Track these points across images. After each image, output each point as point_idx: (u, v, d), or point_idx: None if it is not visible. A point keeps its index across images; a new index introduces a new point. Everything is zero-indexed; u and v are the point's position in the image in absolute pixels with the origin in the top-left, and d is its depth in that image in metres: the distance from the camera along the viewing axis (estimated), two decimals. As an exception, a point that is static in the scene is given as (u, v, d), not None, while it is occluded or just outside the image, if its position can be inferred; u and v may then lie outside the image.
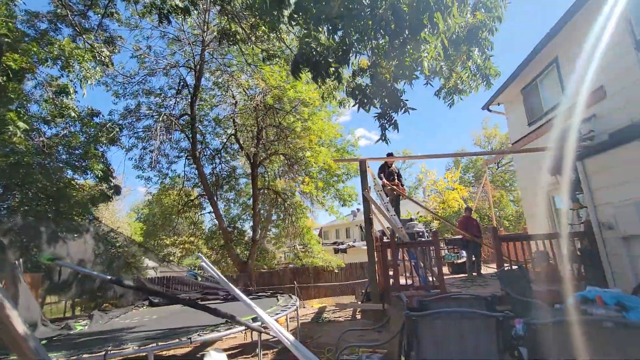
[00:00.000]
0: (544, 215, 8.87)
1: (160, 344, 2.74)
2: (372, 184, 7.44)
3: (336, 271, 13.53)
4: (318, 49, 3.01)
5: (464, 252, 9.62)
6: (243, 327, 3.35)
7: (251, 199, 16.49)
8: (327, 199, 12.81)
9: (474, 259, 8.50)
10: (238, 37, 7.87)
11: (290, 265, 15.76)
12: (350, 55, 3.09)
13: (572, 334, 2.32)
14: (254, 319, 3.51)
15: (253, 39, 8.05)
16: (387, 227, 8.67)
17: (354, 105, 3.66)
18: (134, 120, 11.59)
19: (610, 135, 6.10)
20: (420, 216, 14.88)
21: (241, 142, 13.13)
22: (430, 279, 6.56)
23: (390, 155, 7.78)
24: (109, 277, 3.31)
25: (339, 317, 7.89)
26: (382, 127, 3.67)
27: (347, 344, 2.60)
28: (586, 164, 6.11)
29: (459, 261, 9.61)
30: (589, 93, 6.63)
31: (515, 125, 10.03)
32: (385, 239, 9.09)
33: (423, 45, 2.78)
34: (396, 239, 6.57)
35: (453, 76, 3.72)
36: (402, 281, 6.51)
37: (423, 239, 7.79)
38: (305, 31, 3.06)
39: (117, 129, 10.21)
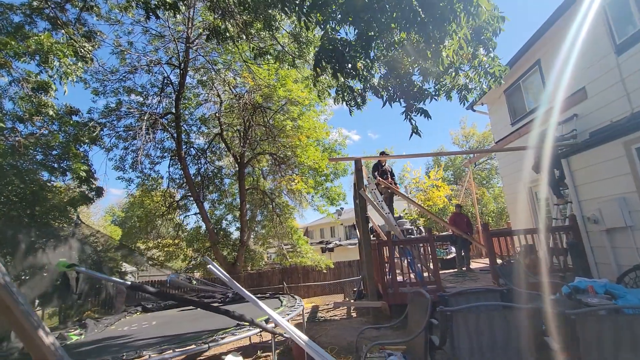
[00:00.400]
0: (527, 211, 9.27)
1: (177, 350, 2.61)
2: (365, 183, 7.50)
3: (325, 271, 13.55)
4: (340, 44, 2.99)
5: (452, 248, 9.90)
6: (257, 330, 3.28)
7: (237, 199, 16.28)
8: (316, 198, 12.82)
9: (463, 254, 8.76)
10: (228, 34, 7.72)
11: (276, 266, 15.65)
12: (372, 49, 3.08)
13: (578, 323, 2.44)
14: (266, 321, 3.45)
15: (243, 36, 7.92)
16: (379, 225, 8.79)
17: (384, 103, 3.66)
18: (115, 119, 11.10)
19: (591, 134, 6.45)
20: (406, 214, 15.16)
21: (227, 142, 12.88)
22: (426, 275, 6.71)
23: (383, 153, 7.87)
24: (129, 283, 3.14)
25: (335, 315, 7.91)
26: (411, 119, 3.69)
27: (371, 343, 2.60)
28: (571, 161, 6.43)
29: (448, 257, 9.88)
30: (571, 94, 7.00)
31: (499, 125, 10.41)
32: (372, 237, 9.22)
33: (447, 39, 2.83)
34: (392, 237, 6.65)
35: (460, 75, 3.81)
36: (399, 278, 6.60)
37: (412, 237, 7.94)
38: (326, 25, 3.03)
39: (99, 128, 9.75)
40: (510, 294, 3.10)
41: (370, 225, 10.35)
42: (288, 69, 8.69)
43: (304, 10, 2.94)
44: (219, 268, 3.67)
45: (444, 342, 2.07)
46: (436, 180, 14.76)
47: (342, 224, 24.90)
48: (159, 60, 11.61)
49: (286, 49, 7.59)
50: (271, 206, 13.49)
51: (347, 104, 4.96)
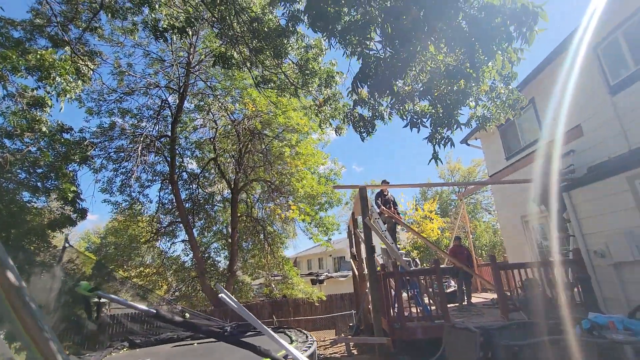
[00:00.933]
0: (524, 244, 9.30)
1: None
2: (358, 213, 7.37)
3: (317, 304, 12.97)
4: (375, 64, 2.99)
5: (452, 281, 9.69)
6: None
7: (227, 227, 15.74)
8: (310, 227, 12.53)
9: (464, 288, 8.56)
10: (234, 60, 7.80)
11: (261, 299, 14.90)
12: (407, 71, 3.09)
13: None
14: (284, 357, 3.12)
15: (249, 64, 8.02)
16: (378, 255, 8.58)
17: (405, 126, 3.62)
18: (107, 139, 10.76)
19: (589, 169, 6.65)
20: (401, 246, 15.00)
21: (222, 168, 12.65)
22: (433, 308, 6.45)
23: (385, 182, 7.84)
24: (154, 311, 2.78)
25: (334, 353, 7.43)
26: (435, 145, 3.64)
27: None
28: (572, 195, 6.54)
29: (448, 290, 9.64)
30: (567, 131, 7.28)
31: (493, 159, 10.70)
32: (361, 268, 8.94)
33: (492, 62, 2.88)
34: (399, 268, 6.44)
35: (479, 106, 3.86)
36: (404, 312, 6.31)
37: (419, 268, 7.74)
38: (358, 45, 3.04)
39: (91, 148, 9.38)
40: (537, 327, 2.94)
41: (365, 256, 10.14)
42: (289, 98, 8.78)
43: (340, 33, 2.96)
44: (232, 297, 3.36)
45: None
46: (429, 212, 14.85)
47: (331, 256, 24.36)
48: (157, 83, 11.57)
49: (290, 79, 7.68)
50: (262, 235, 13.08)
51: (357, 131, 4.97)
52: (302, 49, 7.11)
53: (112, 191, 11.36)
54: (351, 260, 11.96)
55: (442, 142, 3.53)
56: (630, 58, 5.80)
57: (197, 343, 5.35)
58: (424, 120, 3.68)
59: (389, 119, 4.36)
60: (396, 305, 6.26)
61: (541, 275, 6.78)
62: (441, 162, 3.90)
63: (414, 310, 6.42)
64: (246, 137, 10.94)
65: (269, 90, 9.49)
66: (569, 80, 7.08)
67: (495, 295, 8.81)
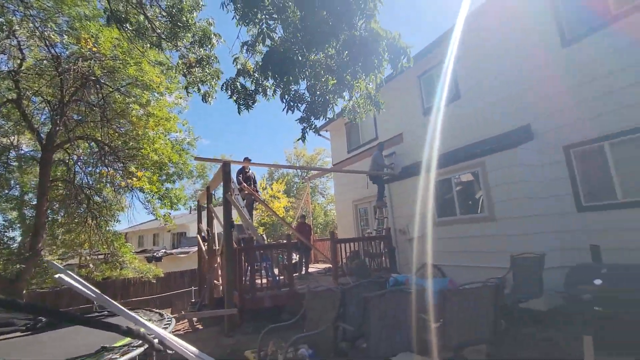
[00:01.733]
0: (351, 223, 11.39)
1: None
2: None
3: (153, 281, 11.83)
4: (284, 50, 3.04)
5: (294, 254, 10.85)
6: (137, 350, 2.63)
7: (27, 193, 12.10)
8: (154, 200, 11.15)
9: (304, 260, 9.78)
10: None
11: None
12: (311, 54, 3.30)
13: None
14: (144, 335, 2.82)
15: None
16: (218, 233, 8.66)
17: (284, 109, 3.82)
18: None
19: (403, 168, 8.79)
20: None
21: (27, 114, 9.50)
22: (281, 278, 7.14)
23: (247, 159, 7.95)
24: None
25: (177, 330, 7.12)
26: (306, 128, 4.04)
27: (286, 342, 2.65)
28: (390, 187, 8.49)
29: (292, 262, 10.72)
30: (393, 136, 9.33)
31: (338, 150, 12.44)
32: (204, 244, 8.95)
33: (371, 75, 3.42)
34: (255, 243, 6.77)
35: (350, 101, 4.55)
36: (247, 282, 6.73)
37: (273, 243, 8.31)
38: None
39: None
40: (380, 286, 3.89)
41: (203, 234, 9.99)
42: (149, 48, 7.50)
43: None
44: (75, 276, 2.81)
45: (359, 326, 2.47)
46: (277, 192, 15.85)
47: (170, 231, 22.32)
48: None
49: (153, 24, 6.60)
50: (86, 205, 10.75)
51: (236, 102, 4.92)
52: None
53: None
54: (197, 235, 11.50)
55: (312, 128, 4.04)
56: (438, 90, 7.97)
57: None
58: (300, 105, 4.07)
59: (272, 96, 4.53)
60: (248, 277, 6.60)
61: (363, 248, 8.56)
62: (303, 142, 4.42)
63: (264, 281, 6.94)
64: (75, 82, 8.58)
65: (122, 32, 7.80)
66: (400, 98, 9.05)
67: (326, 265, 10.49)
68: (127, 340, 3.07)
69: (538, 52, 5.98)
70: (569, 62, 5.50)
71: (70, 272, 2.73)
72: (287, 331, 4.98)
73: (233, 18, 4.58)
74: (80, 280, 2.80)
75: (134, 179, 9.33)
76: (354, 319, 2.78)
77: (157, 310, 5.20)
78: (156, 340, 2.84)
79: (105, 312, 5.34)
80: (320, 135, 13.16)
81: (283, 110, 4.31)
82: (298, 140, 4.18)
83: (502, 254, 5.38)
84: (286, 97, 4.21)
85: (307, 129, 4.51)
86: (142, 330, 2.74)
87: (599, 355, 2.42)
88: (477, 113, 6.90)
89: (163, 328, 3.60)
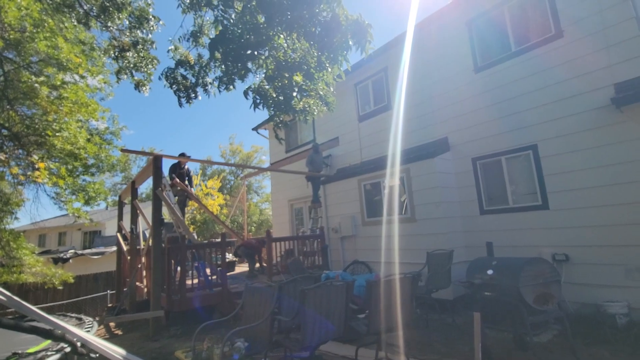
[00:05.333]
0: (287, 222, 11.56)
1: None
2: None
3: (59, 287, 10.43)
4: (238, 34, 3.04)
5: (228, 253, 10.60)
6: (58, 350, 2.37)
7: None
8: (65, 194, 9.81)
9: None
10: None
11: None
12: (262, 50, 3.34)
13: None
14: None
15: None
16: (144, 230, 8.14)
17: (250, 106, 3.80)
18: None
19: (338, 170, 9.27)
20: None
21: None
22: (213, 278, 6.98)
23: (183, 155, 7.59)
24: None
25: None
26: (277, 124, 4.10)
27: (223, 336, 2.64)
28: (326, 188, 8.87)
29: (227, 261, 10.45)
30: (330, 139, 9.76)
31: (276, 150, 12.49)
32: (126, 244, 8.31)
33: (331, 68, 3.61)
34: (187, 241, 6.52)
35: (303, 100, 4.70)
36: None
37: (205, 242, 8.05)
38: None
39: None
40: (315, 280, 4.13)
41: (124, 232, 9.25)
42: (70, 23, 6.68)
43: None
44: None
45: (293, 318, 2.64)
46: (212, 189, 15.24)
47: (80, 230, 19.77)
48: None
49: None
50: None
51: (176, 94, 4.74)
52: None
53: None
54: (117, 234, 10.52)
55: (280, 124, 4.11)
56: (372, 100, 8.60)
57: None
58: (265, 104, 4.12)
59: (214, 94, 4.45)
60: (177, 277, 6.33)
61: (298, 246, 8.80)
62: (283, 140, 4.53)
63: (195, 281, 6.72)
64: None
65: (38, 2, 6.83)
66: (338, 103, 9.48)
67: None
68: (42, 345, 2.81)
69: (455, 75, 6.90)
70: (480, 86, 6.46)
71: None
72: (220, 329, 4.96)
73: (178, 6, 4.41)
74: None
75: (36, 171, 8.15)
76: (288, 312, 2.96)
77: (74, 315, 4.70)
78: (79, 344, 2.67)
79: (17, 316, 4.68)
80: (258, 132, 13.11)
81: (250, 107, 4.28)
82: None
83: (421, 251, 6.08)
84: (250, 93, 4.19)
85: (277, 126, 4.60)
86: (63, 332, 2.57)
87: (486, 329, 2.99)
88: (405, 123, 7.64)
89: (87, 330, 3.33)
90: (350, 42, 3.36)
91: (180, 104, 4.70)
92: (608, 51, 4.95)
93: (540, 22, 5.76)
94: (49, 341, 2.82)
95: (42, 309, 7.70)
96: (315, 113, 4.37)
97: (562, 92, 5.35)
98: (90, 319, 4.45)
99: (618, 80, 4.82)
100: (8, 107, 7.99)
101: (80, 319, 4.50)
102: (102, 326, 7.34)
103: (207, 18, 4.70)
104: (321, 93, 4.17)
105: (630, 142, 4.66)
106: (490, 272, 3.71)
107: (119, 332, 6.78)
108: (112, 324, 7.31)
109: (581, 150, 5.09)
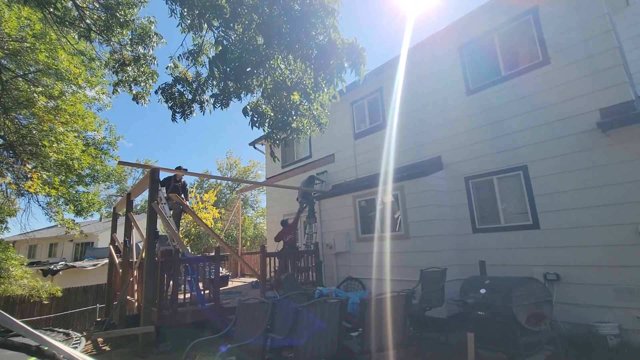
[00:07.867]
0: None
1: None
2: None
3: (45, 302, 10.19)
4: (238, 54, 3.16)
5: (222, 268, 10.49)
6: None
7: None
8: (58, 204, 9.73)
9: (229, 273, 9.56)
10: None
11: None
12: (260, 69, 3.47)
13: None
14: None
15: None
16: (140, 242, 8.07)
17: (249, 124, 3.91)
18: None
19: (333, 187, 9.34)
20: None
21: None
22: (205, 293, 6.90)
23: (180, 168, 7.62)
24: None
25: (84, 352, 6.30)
26: (274, 142, 4.22)
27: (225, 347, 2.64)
28: (321, 204, 8.93)
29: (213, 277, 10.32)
30: (326, 156, 9.87)
31: (272, 164, 12.57)
32: (118, 257, 8.22)
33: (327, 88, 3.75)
34: (181, 255, 6.47)
35: (297, 120, 4.81)
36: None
37: (200, 255, 7.99)
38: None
39: None
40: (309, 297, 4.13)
41: (117, 244, 9.15)
42: (73, 37, 6.80)
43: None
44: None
45: (287, 335, 2.64)
46: (207, 203, 15.17)
47: (72, 241, 19.41)
48: None
49: (81, 10, 6.08)
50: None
51: (171, 109, 4.82)
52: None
53: None
54: (110, 246, 10.39)
55: (277, 142, 4.21)
56: (368, 118, 8.77)
57: None
58: (261, 124, 4.23)
59: (209, 111, 4.55)
60: (169, 292, 6.25)
61: (292, 261, 8.75)
62: (278, 159, 4.60)
63: (187, 296, 6.63)
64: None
65: (39, 13, 6.95)
66: (334, 121, 9.66)
67: (252, 279, 10.37)
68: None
69: (448, 97, 7.11)
70: (472, 108, 6.66)
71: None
72: (212, 346, 4.88)
73: (178, 25, 4.56)
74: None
75: (29, 181, 8.11)
76: (282, 330, 2.96)
77: (61, 330, 4.59)
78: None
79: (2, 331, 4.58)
80: (255, 148, 13.21)
81: (249, 124, 4.40)
82: (273, 157, 4.53)
83: (414, 269, 6.10)
84: (249, 111, 4.31)
85: (274, 143, 4.70)
86: (50, 350, 2.53)
87: (479, 349, 3.00)
88: (399, 142, 7.79)
89: (74, 346, 3.28)
90: (346, 64, 3.50)
91: (174, 119, 4.76)
92: (593, 78, 5.17)
93: (528, 49, 6.01)
94: (34, 358, 2.77)
95: (28, 322, 7.60)
96: (308, 133, 4.47)
97: (550, 116, 5.54)
98: (78, 334, 4.36)
99: (603, 106, 5.02)
100: (4, 116, 8.01)
101: (67, 334, 4.40)
102: (89, 341, 7.17)
103: (207, 38, 4.86)
104: (315, 113, 4.28)
105: (616, 165, 4.81)
106: (483, 291, 3.75)
107: (107, 348, 6.61)
108: (100, 339, 7.14)
109: (569, 172, 5.24)
